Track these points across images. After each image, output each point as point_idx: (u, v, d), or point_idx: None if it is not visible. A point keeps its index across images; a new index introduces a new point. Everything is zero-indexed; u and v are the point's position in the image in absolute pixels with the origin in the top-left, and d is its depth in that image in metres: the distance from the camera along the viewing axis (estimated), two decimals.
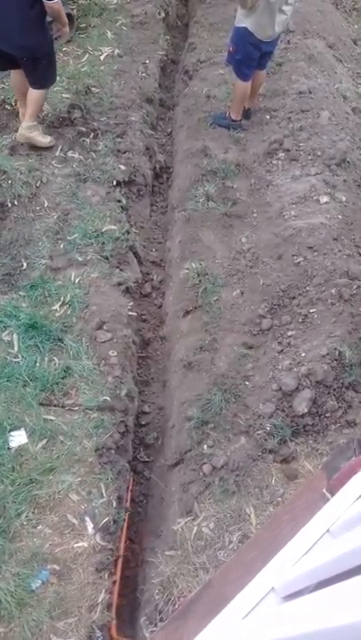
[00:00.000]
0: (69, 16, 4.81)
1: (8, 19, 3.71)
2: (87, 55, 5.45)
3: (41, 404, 3.05)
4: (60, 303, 3.50)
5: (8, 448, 2.83)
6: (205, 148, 4.62)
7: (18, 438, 2.87)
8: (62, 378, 3.15)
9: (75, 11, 5.72)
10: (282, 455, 2.89)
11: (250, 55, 4.33)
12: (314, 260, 3.58)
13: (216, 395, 3.15)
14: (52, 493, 2.72)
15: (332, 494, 1.54)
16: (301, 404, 2.94)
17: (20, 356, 3.20)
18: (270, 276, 3.66)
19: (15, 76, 4.22)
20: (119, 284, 3.73)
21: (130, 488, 3.10)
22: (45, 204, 4.09)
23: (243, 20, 4.15)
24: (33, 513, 2.67)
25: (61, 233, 3.92)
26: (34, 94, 4.16)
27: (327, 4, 6.54)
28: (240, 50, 4.31)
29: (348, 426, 2.97)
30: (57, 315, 3.44)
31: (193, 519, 2.76)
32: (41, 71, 4.05)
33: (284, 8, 4.13)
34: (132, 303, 3.77)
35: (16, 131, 4.57)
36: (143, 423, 3.59)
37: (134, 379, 3.54)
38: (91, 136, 4.60)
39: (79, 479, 2.80)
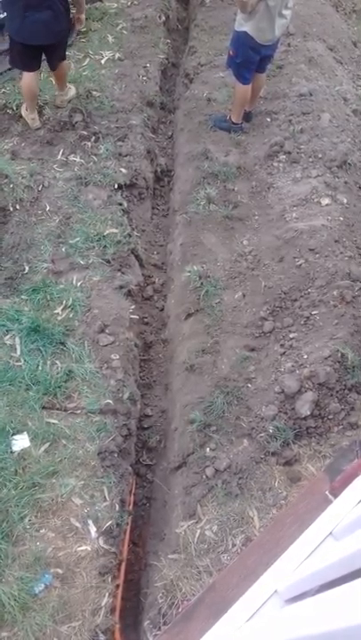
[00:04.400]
0: None
1: (44, 12, 4.03)
2: (88, 59, 5.47)
3: (43, 408, 3.05)
4: (62, 307, 3.51)
5: (11, 452, 2.83)
6: (206, 151, 4.62)
7: (20, 442, 2.88)
8: (64, 381, 3.15)
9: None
10: (285, 458, 2.88)
11: (250, 59, 4.34)
12: (315, 262, 3.58)
13: (218, 397, 3.15)
14: (54, 497, 2.72)
15: (335, 496, 1.54)
16: (304, 407, 2.94)
17: (22, 359, 3.21)
18: (272, 278, 3.66)
19: (32, 78, 4.44)
20: (121, 287, 3.73)
21: (132, 491, 3.10)
22: (47, 208, 4.10)
23: (243, 24, 4.16)
24: (36, 517, 2.67)
25: (63, 236, 3.93)
26: (62, 71, 4.64)
27: (327, 6, 6.56)
28: (240, 53, 4.31)
29: (351, 428, 2.97)
30: (59, 318, 3.44)
31: (196, 522, 2.76)
32: (65, 47, 4.56)
33: (284, 12, 4.13)
34: (133, 306, 3.77)
35: (17, 135, 4.61)
36: (146, 426, 3.59)
37: (136, 382, 3.54)
38: (92, 140, 4.61)
39: (82, 483, 2.80)
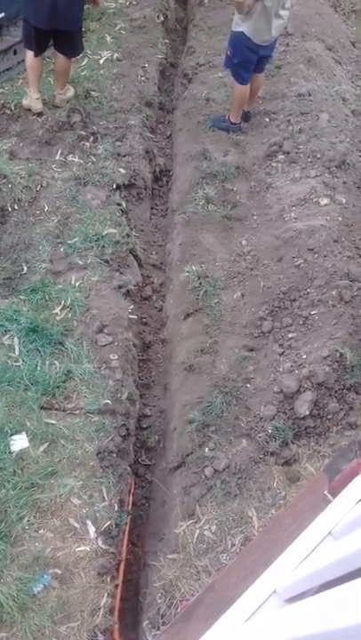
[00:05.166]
0: None
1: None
2: (86, 59, 5.46)
3: (42, 408, 3.05)
4: (60, 307, 3.50)
5: (9, 452, 2.82)
6: (205, 151, 4.62)
7: (19, 442, 2.87)
8: (63, 381, 3.15)
9: None
10: (283, 457, 2.88)
11: (247, 59, 4.34)
12: (314, 261, 3.58)
13: (217, 397, 3.14)
14: (53, 497, 2.72)
15: (334, 496, 1.54)
16: (303, 407, 2.94)
17: (20, 359, 3.20)
18: (271, 278, 3.66)
19: (38, 61, 4.55)
20: (120, 287, 3.73)
21: (131, 491, 3.10)
22: (45, 208, 4.10)
23: (240, 25, 4.16)
24: (34, 517, 2.67)
25: (62, 237, 3.92)
26: (67, 65, 4.70)
27: (326, 6, 6.56)
28: (237, 54, 4.31)
29: (350, 428, 2.96)
30: (58, 318, 3.44)
31: (195, 522, 2.75)
32: (79, 40, 4.66)
33: (281, 12, 4.13)
34: (132, 306, 3.77)
35: (16, 135, 4.60)
36: (144, 426, 3.59)
37: (135, 382, 3.53)
38: (90, 140, 4.61)
39: (80, 483, 2.79)
